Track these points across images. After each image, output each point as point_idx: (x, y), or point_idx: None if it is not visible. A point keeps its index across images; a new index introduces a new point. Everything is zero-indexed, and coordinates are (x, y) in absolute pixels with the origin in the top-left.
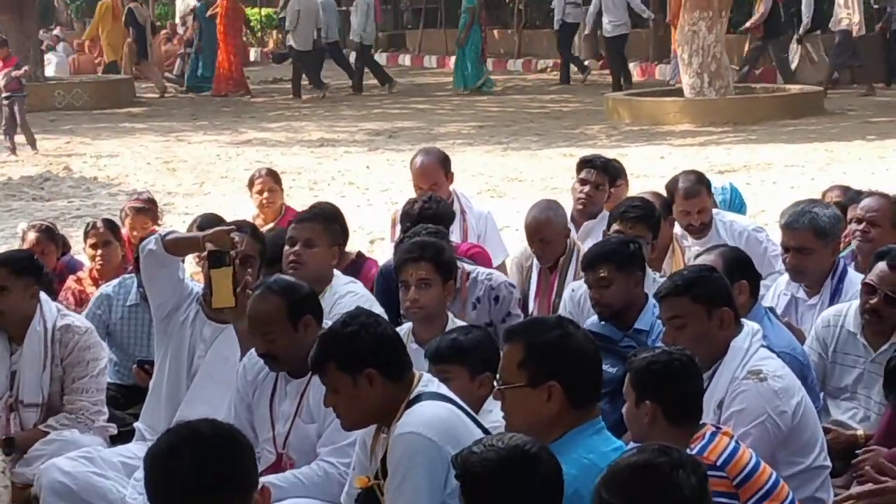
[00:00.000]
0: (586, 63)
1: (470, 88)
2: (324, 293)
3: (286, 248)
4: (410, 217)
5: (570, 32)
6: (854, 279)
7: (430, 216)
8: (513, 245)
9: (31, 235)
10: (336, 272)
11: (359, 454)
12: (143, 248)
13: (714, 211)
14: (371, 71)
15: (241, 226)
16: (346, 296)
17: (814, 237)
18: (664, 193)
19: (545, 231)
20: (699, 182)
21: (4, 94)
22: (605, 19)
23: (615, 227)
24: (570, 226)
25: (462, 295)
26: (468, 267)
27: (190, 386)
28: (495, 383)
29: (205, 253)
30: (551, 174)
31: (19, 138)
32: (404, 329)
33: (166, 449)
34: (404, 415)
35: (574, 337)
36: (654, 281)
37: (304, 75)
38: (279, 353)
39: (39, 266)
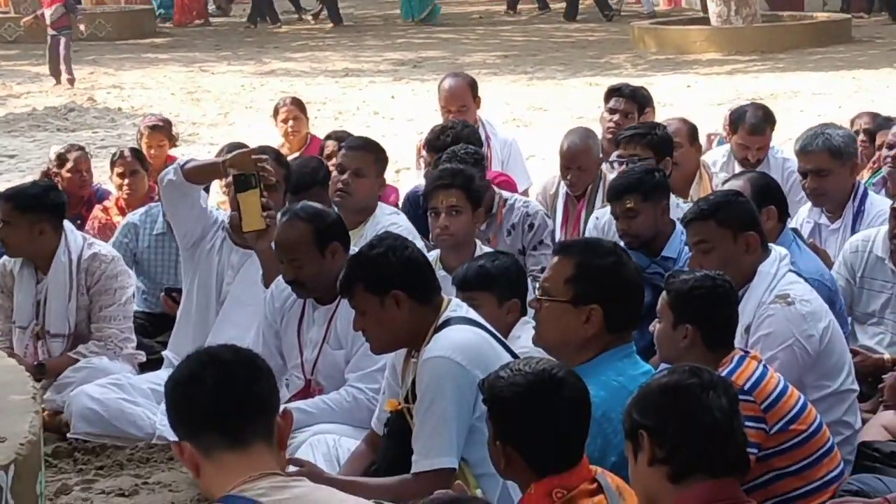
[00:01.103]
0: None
1: (416, 20)
2: (366, 223)
3: (334, 174)
4: (434, 145)
5: None
6: (875, 201)
7: (452, 143)
8: (537, 174)
9: (73, 155)
10: (380, 203)
11: (388, 379)
12: (161, 179)
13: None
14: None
15: (264, 150)
16: (389, 227)
17: (829, 158)
18: (691, 120)
19: (582, 158)
20: (766, 120)
21: (51, 31)
22: None
23: (617, 152)
24: None
25: (497, 221)
26: (505, 193)
27: (219, 312)
28: (536, 292)
29: (230, 178)
30: (577, 104)
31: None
32: (432, 256)
33: (187, 375)
34: (433, 339)
35: (626, 266)
36: (677, 206)
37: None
38: (306, 279)
39: (50, 203)
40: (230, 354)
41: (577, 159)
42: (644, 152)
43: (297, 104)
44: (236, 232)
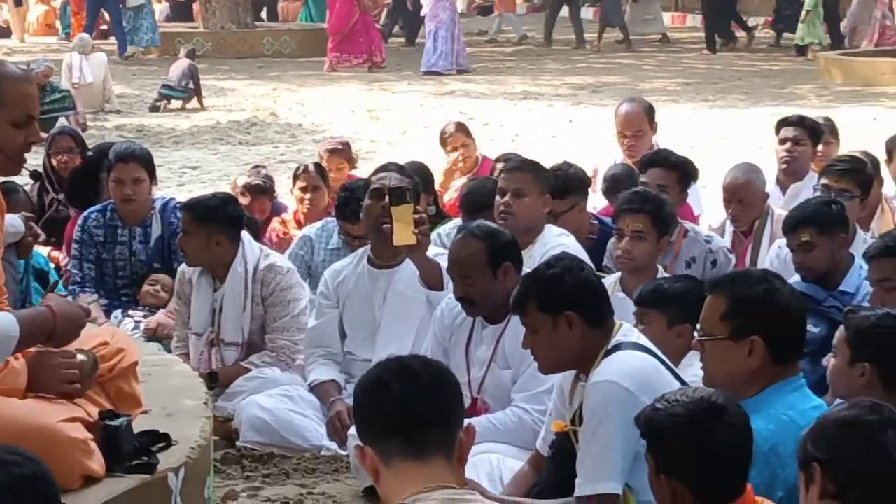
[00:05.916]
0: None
1: None
2: (534, 243)
3: (497, 198)
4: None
5: None
6: None
7: (560, 184)
8: (713, 204)
9: (246, 200)
10: (548, 224)
11: (556, 400)
12: None
13: None
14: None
15: (387, 167)
16: (557, 248)
17: None
18: (875, 154)
19: (744, 192)
20: None
21: None
22: None
23: (823, 181)
24: (777, 188)
25: (675, 249)
26: (686, 224)
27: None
28: (695, 335)
29: (386, 189)
30: (757, 134)
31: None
32: (612, 279)
33: (374, 380)
34: (602, 363)
35: (780, 292)
36: (864, 241)
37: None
38: (477, 297)
39: (228, 215)
40: (419, 364)
41: (739, 192)
42: (853, 189)
43: (462, 129)
44: (384, 244)
